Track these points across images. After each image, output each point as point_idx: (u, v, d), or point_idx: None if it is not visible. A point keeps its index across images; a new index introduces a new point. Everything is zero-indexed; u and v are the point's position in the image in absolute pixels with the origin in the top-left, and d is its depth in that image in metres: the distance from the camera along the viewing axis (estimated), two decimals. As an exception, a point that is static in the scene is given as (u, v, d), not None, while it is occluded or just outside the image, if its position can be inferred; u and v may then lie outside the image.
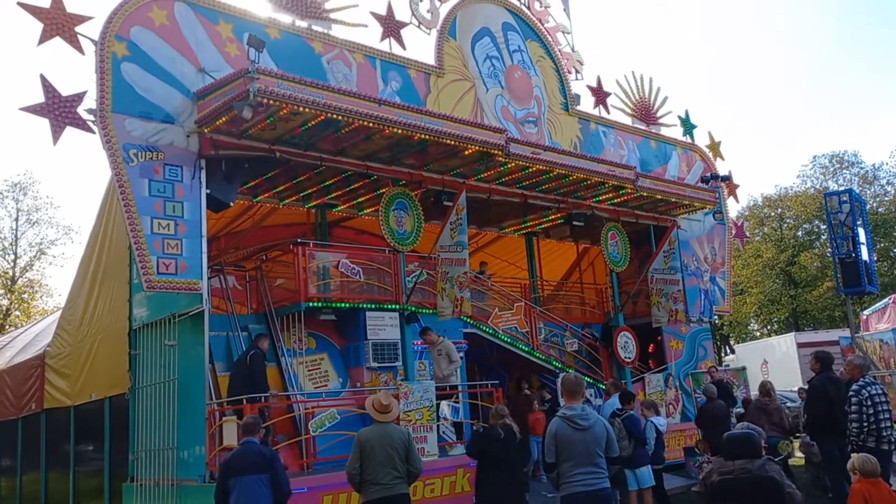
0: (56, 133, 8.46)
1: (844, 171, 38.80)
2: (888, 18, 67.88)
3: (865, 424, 7.90)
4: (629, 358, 15.07)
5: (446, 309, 11.54)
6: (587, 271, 18.74)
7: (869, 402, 7.93)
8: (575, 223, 14.52)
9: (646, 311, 15.90)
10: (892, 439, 7.96)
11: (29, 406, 14.35)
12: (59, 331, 13.70)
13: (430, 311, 12.15)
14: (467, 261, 11.72)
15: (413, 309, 11.93)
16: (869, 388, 8.06)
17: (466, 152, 11.23)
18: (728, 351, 41.67)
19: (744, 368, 17.75)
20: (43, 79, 8.53)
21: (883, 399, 8.03)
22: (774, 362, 26.95)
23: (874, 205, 36.11)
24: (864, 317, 23.65)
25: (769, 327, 41.06)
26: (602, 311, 16.91)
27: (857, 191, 31.40)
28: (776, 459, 7.56)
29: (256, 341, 10.32)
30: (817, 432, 9.33)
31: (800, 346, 25.03)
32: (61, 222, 34.10)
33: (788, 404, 17.27)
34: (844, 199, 16.96)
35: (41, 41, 8.56)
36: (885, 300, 22.72)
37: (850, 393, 8.13)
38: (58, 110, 8.48)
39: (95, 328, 12.10)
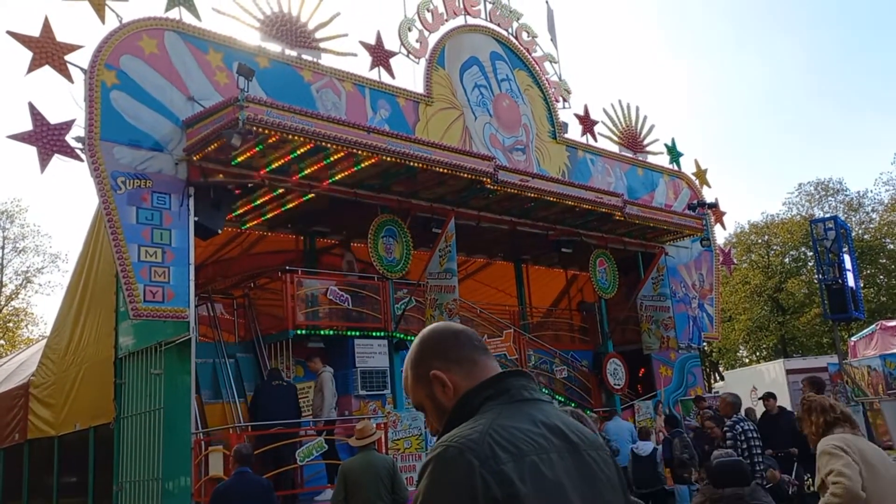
0: (44, 161, 8.45)
1: (830, 198, 39.16)
2: (873, 46, 69.15)
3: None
4: (618, 385, 15.04)
5: (435, 336, 11.49)
6: (576, 298, 18.76)
7: (742, 438, 8.04)
8: (563, 250, 14.57)
9: (634, 338, 15.91)
10: (765, 475, 8.00)
11: (12, 436, 14.11)
12: (43, 360, 13.53)
13: (419, 338, 12.10)
14: (457, 288, 11.72)
15: (402, 336, 11.89)
16: (742, 424, 8.23)
17: (455, 180, 11.29)
18: (717, 378, 41.65)
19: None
20: (31, 107, 8.54)
21: (754, 436, 8.17)
22: (763, 389, 26.90)
23: (860, 231, 36.38)
24: (852, 343, 23.71)
25: (758, 354, 41.11)
26: (592, 339, 16.91)
27: (843, 218, 31.64)
28: (765, 486, 7.54)
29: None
30: (809, 460, 9.32)
31: (788, 372, 25.02)
32: (48, 250, 33.71)
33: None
34: (830, 226, 17.07)
35: (30, 70, 8.59)
36: (872, 326, 22.80)
37: (725, 429, 8.31)
38: (46, 138, 8.48)
39: (81, 357, 11.97)
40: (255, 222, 12.48)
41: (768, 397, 10.74)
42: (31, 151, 8.51)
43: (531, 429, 1.54)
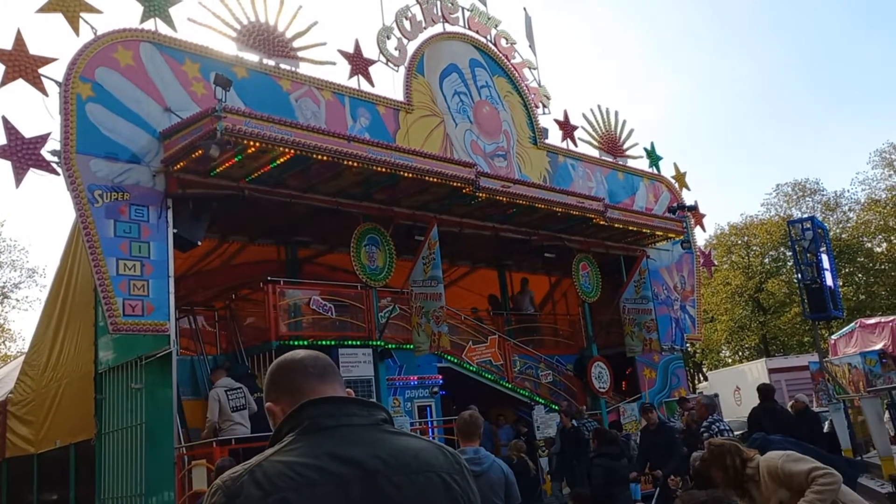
0: (19, 175, 8.33)
1: (807, 198, 39.54)
2: (849, 47, 70.09)
3: None
4: (603, 388, 15.06)
5: (423, 344, 11.47)
6: (560, 302, 18.79)
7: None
8: (546, 255, 14.59)
9: (618, 341, 15.95)
10: None
11: (-10, 455, 13.90)
12: (21, 376, 13.34)
13: (405, 346, 12.06)
14: (443, 295, 11.69)
15: (386, 345, 11.83)
16: (718, 425, 8.34)
17: (437, 187, 11.27)
18: (701, 378, 41.90)
19: (716, 395, 17.82)
20: (5, 120, 8.42)
21: (731, 436, 8.28)
22: (747, 388, 27.13)
23: (837, 231, 36.75)
24: (833, 341, 23.93)
25: (740, 353, 41.42)
26: (576, 343, 16.92)
27: (820, 218, 31.99)
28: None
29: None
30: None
31: (771, 371, 25.24)
32: (25, 265, 33.17)
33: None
34: (807, 226, 17.21)
35: (3, 83, 8.46)
36: (852, 325, 23.02)
37: (702, 429, 8.40)
38: (20, 152, 8.36)
39: (60, 373, 11.81)
40: (236, 233, 12.40)
41: (648, 410, 10.45)
42: (5, 166, 8.37)
43: (305, 462, 1.53)
